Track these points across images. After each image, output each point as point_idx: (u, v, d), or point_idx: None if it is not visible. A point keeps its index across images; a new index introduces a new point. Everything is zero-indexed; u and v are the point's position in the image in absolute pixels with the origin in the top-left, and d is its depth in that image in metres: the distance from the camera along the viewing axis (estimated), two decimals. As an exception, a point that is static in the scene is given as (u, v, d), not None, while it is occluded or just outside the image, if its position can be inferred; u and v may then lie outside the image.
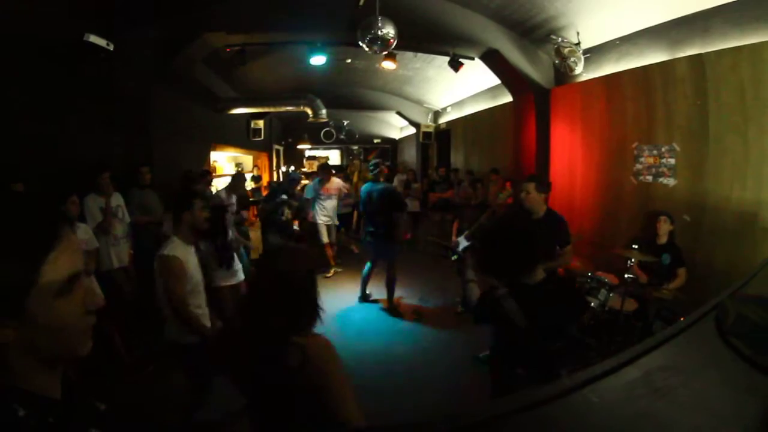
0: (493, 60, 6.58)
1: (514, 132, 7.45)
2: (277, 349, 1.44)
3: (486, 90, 9.23)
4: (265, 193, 6.02)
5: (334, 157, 19.47)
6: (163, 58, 5.81)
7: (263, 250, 4.94)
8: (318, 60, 6.77)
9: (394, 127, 17.09)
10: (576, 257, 5.19)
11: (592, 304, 3.84)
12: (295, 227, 6.96)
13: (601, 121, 5.72)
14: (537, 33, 5.98)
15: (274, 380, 1.46)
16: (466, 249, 5.06)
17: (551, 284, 2.07)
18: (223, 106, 8.82)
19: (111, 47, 4.56)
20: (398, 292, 5.81)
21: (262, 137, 10.96)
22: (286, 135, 15.60)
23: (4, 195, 0.74)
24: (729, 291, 1.22)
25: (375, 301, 5.87)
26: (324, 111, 9.53)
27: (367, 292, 5.93)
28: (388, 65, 7.02)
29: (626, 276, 3.89)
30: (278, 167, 14.08)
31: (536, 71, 6.50)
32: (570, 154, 6.31)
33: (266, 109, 9.82)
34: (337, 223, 7.20)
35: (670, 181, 4.66)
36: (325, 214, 6.88)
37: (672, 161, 4.64)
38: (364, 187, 5.69)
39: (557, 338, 2.03)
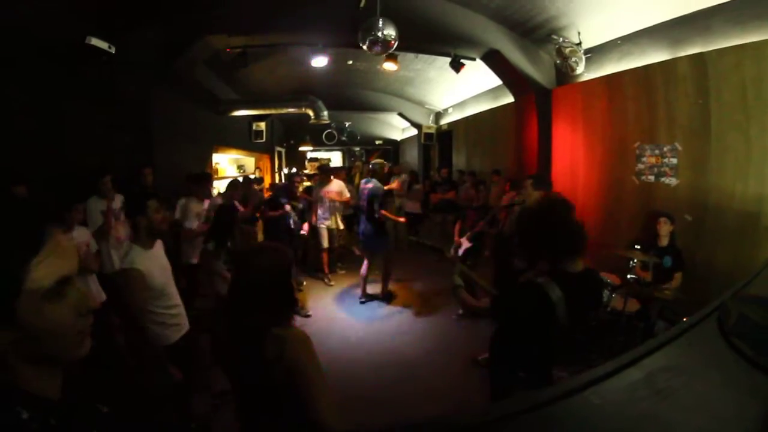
0: (495, 60, 6.57)
1: (516, 133, 7.44)
2: (255, 343, 1.47)
3: (487, 91, 9.23)
4: (267, 195, 6.02)
5: (335, 158, 19.47)
6: (165, 61, 5.83)
7: (239, 250, 4.98)
8: (319, 62, 6.78)
9: (396, 128, 17.09)
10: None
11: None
12: (303, 231, 6.90)
13: (602, 120, 5.71)
14: (538, 33, 5.98)
15: (253, 374, 1.49)
16: (468, 251, 5.09)
17: (590, 274, 1.94)
18: (224, 108, 8.83)
19: (113, 50, 4.57)
20: (400, 292, 5.97)
21: (264, 139, 10.97)
22: (288, 137, 15.61)
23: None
24: (731, 291, 1.22)
25: (374, 296, 6.01)
26: (326, 113, 9.54)
27: (369, 292, 5.96)
28: (389, 66, 7.03)
29: (629, 276, 3.89)
30: (280, 169, 14.09)
31: (537, 71, 6.49)
32: (572, 154, 6.31)
33: (268, 111, 9.82)
34: (341, 226, 7.06)
35: (672, 181, 4.65)
36: (325, 217, 6.80)
37: (674, 161, 4.63)
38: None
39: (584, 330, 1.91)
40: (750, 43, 3.80)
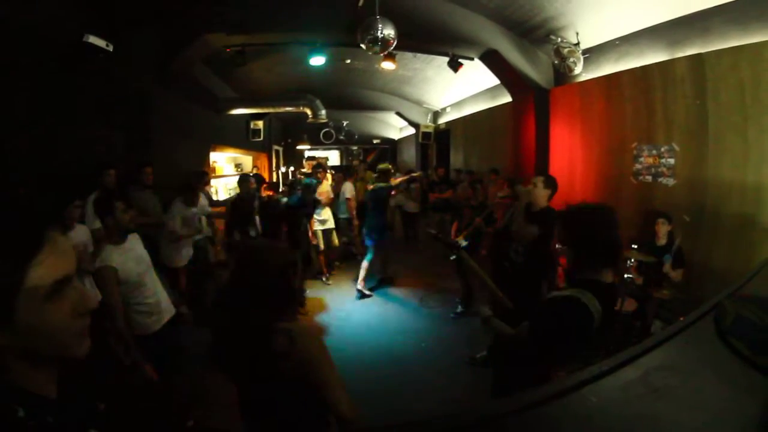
0: (493, 60, 6.58)
1: (514, 132, 7.45)
2: (262, 339, 1.45)
3: (485, 90, 9.23)
4: (264, 194, 5.99)
5: (333, 157, 19.46)
6: (163, 59, 5.82)
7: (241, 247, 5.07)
8: (317, 61, 6.77)
9: (394, 127, 17.08)
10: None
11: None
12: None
13: (600, 121, 5.72)
14: (536, 33, 5.98)
15: (262, 370, 1.47)
16: (466, 250, 5.08)
17: (617, 287, 1.86)
18: (222, 106, 8.81)
19: (111, 48, 4.56)
20: (398, 290, 6.05)
21: (262, 138, 10.96)
22: (286, 135, 15.59)
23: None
24: (728, 291, 1.22)
25: (371, 290, 6.18)
26: (323, 111, 9.53)
27: (368, 290, 6.03)
28: (387, 66, 7.02)
29: (626, 276, 3.90)
30: (278, 168, 14.07)
31: (535, 71, 6.50)
32: (569, 154, 6.32)
33: (266, 110, 9.81)
34: (332, 227, 7.10)
35: (670, 181, 4.66)
36: (319, 219, 6.80)
37: (671, 161, 4.64)
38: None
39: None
40: (748, 44, 3.81)
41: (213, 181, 8.65)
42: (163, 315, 2.85)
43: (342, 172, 9.14)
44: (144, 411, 2.66)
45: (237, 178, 6.29)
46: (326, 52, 6.70)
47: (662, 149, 4.74)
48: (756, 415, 0.75)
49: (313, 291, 6.27)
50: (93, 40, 4.37)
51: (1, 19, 3.59)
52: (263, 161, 12.70)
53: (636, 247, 4.06)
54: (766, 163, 3.76)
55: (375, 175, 6.51)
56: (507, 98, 7.62)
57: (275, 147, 14.07)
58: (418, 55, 8.03)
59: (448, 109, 11.74)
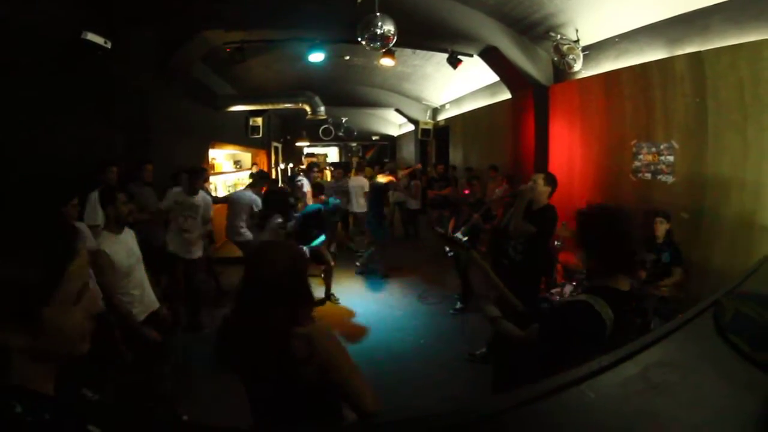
0: (492, 57, 6.57)
1: (513, 129, 7.44)
2: (280, 344, 1.43)
3: (485, 87, 9.22)
4: (263, 190, 6.03)
5: (332, 154, 19.46)
6: (162, 56, 5.80)
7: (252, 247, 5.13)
8: (316, 57, 6.75)
9: (393, 124, 17.07)
10: (574, 253, 5.21)
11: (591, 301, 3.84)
12: None
13: (599, 118, 5.72)
14: (536, 30, 5.97)
15: (281, 375, 1.45)
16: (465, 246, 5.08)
17: (636, 295, 1.81)
18: (221, 103, 8.80)
19: (109, 45, 4.55)
20: (397, 286, 6.10)
21: (261, 134, 10.94)
22: (285, 132, 15.58)
23: (31, 209, 0.78)
24: (727, 288, 1.22)
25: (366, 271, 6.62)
26: (322, 108, 9.52)
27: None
28: (386, 62, 7.01)
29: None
30: (277, 164, 14.06)
31: (535, 68, 6.49)
32: (569, 152, 6.31)
33: (265, 107, 9.79)
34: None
35: (669, 179, 4.66)
36: None
37: (671, 158, 4.64)
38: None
39: None
40: (747, 42, 3.80)
41: (212, 178, 8.64)
42: (147, 309, 3.05)
43: (342, 168, 9.14)
44: (139, 405, 2.68)
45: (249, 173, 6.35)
46: (325, 48, 6.69)
47: (661, 147, 4.73)
48: (755, 411, 0.75)
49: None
50: (91, 37, 4.36)
51: (1, 19, 3.58)
52: (262, 158, 12.69)
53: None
54: (765, 161, 3.76)
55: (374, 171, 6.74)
56: (506, 95, 7.61)
57: (274, 144, 14.06)
58: (418, 51, 8.02)
59: (447, 106, 11.73)
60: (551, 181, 3.71)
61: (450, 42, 6.61)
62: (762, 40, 3.67)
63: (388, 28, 4.53)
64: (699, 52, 4.25)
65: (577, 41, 5.63)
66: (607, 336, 1.53)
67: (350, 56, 8.85)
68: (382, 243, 6.99)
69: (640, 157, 5.00)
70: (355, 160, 17.25)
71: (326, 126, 14.56)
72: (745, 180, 3.90)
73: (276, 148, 14.46)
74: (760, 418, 0.73)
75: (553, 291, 4.21)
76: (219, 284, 5.87)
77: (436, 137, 12.61)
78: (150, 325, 2.99)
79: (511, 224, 3.63)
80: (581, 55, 5.67)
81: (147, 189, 4.97)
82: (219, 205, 6.27)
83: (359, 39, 4.67)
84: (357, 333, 4.81)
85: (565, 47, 5.69)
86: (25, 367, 0.69)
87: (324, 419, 1.53)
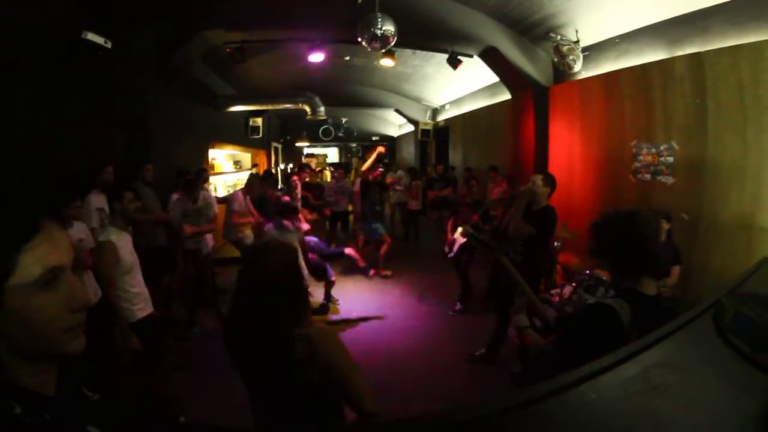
0: (492, 58, 6.57)
1: (513, 130, 7.44)
2: (281, 345, 1.43)
3: (484, 87, 9.23)
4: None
5: (332, 154, 19.47)
6: (162, 56, 5.80)
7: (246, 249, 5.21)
8: (316, 57, 6.75)
9: (393, 124, 17.07)
10: (573, 254, 5.21)
11: (590, 301, 3.85)
12: None
13: (599, 119, 5.72)
14: (536, 31, 5.97)
15: (282, 377, 1.45)
16: (463, 246, 5.09)
17: (664, 300, 1.72)
18: (221, 103, 8.80)
19: (109, 45, 4.55)
20: (397, 287, 6.11)
21: (261, 135, 10.95)
22: (285, 132, 15.58)
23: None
24: (727, 289, 1.22)
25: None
26: (322, 108, 9.52)
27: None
28: (386, 63, 7.01)
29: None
30: (276, 165, 14.06)
31: (535, 69, 6.49)
32: (569, 152, 6.31)
33: (265, 107, 9.80)
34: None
35: (669, 180, 4.66)
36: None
37: (670, 159, 4.64)
38: None
39: None
40: (747, 43, 3.80)
41: (212, 179, 8.63)
42: (145, 308, 3.08)
43: (342, 169, 9.14)
44: (138, 407, 2.67)
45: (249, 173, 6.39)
46: (325, 48, 6.68)
47: (661, 147, 4.74)
48: (755, 413, 0.75)
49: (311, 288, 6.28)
50: (91, 37, 4.36)
51: (1, 19, 3.58)
52: (262, 158, 12.69)
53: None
54: (765, 162, 3.76)
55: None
56: (506, 96, 7.61)
57: (274, 144, 14.06)
58: (418, 52, 8.02)
59: (447, 107, 11.73)
60: (550, 181, 3.72)
61: (450, 42, 6.61)
62: (762, 41, 3.67)
63: (388, 28, 4.54)
64: (699, 52, 4.26)
65: (577, 42, 5.63)
66: (626, 339, 1.45)
67: (350, 56, 8.85)
68: (376, 240, 7.03)
69: (640, 157, 5.00)
70: (354, 160, 17.25)
71: (326, 126, 14.57)
72: (745, 181, 3.91)
73: (276, 149, 14.46)
74: (760, 419, 0.73)
75: (553, 292, 4.22)
76: (215, 283, 5.87)
77: (435, 138, 12.62)
78: (144, 327, 3.00)
79: (511, 226, 3.63)
80: (581, 55, 5.67)
81: (147, 189, 4.97)
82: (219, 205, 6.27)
83: (359, 39, 4.68)
84: (357, 333, 4.81)
85: (565, 48, 5.69)
86: (20, 365, 0.67)
87: (325, 419, 1.53)
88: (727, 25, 3.98)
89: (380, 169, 7.81)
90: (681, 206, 4.43)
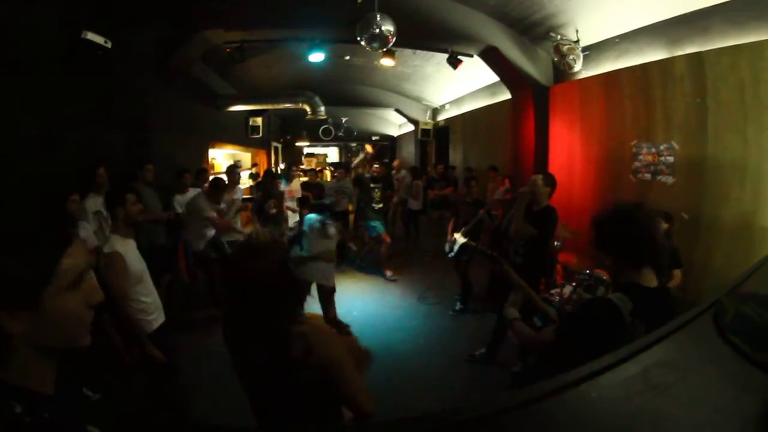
0: (492, 57, 6.57)
1: (513, 129, 7.44)
2: (278, 344, 1.42)
3: (485, 87, 9.22)
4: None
5: (332, 154, 19.45)
6: (162, 56, 5.80)
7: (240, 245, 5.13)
8: (316, 57, 6.75)
9: (393, 124, 17.06)
10: (573, 254, 5.21)
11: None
12: None
13: (599, 118, 5.72)
14: (536, 30, 5.97)
15: (279, 375, 1.44)
16: (463, 246, 5.09)
17: (666, 292, 1.75)
18: (221, 103, 8.80)
19: (109, 44, 4.55)
20: (397, 286, 6.17)
21: (261, 134, 10.94)
22: (285, 132, 15.57)
23: (27, 196, 0.81)
24: (727, 288, 1.22)
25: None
26: (322, 108, 9.52)
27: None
28: (386, 62, 7.01)
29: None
30: (276, 164, 14.06)
31: (535, 69, 6.49)
32: (569, 152, 6.31)
33: (265, 107, 9.80)
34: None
35: (669, 179, 4.66)
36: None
37: (671, 159, 4.64)
38: None
39: None
40: (748, 43, 3.80)
41: (211, 178, 8.62)
42: (159, 316, 2.85)
43: (343, 168, 9.13)
44: (143, 407, 2.66)
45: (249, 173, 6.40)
46: (325, 48, 6.68)
47: (661, 147, 4.74)
48: (755, 412, 0.75)
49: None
50: (91, 37, 4.36)
51: (1, 19, 3.58)
52: (262, 158, 12.69)
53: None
54: (765, 162, 3.76)
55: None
56: (506, 95, 7.61)
57: (274, 144, 14.06)
58: (418, 51, 8.01)
59: (447, 106, 11.73)
60: (550, 181, 3.71)
61: (450, 42, 6.61)
62: (762, 40, 3.67)
63: (388, 28, 4.54)
64: (699, 52, 4.26)
65: (578, 42, 5.63)
66: (626, 333, 1.50)
67: (350, 56, 8.85)
68: (373, 239, 7.09)
69: (640, 157, 5.00)
70: (354, 159, 17.24)
71: (326, 126, 14.56)
72: (746, 180, 3.91)
73: (276, 148, 14.45)
74: (760, 419, 0.73)
75: (553, 291, 4.22)
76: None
77: (436, 137, 12.61)
78: (161, 337, 2.79)
79: (512, 227, 3.63)
80: (581, 55, 5.67)
81: (148, 189, 4.96)
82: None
83: (358, 39, 4.68)
84: (357, 333, 4.80)
85: (566, 47, 5.69)
86: (28, 360, 0.70)
87: (323, 418, 1.53)
88: (727, 24, 3.98)
89: (376, 166, 7.84)
90: (681, 206, 4.43)
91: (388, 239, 6.92)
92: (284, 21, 5.92)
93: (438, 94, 11.44)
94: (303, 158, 16.37)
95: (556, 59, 5.95)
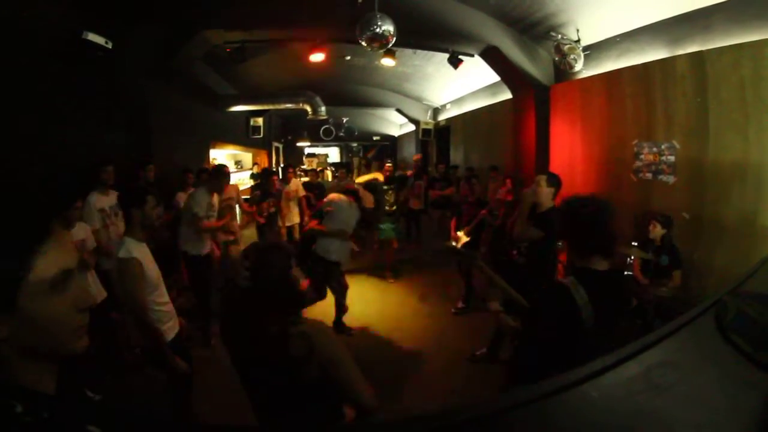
0: (493, 57, 6.57)
1: (514, 129, 7.44)
2: (279, 343, 1.42)
3: (485, 87, 9.22)
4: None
5: (333, 154, 19.47)
6: (163, 56, 5.81)
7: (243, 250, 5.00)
8: (317, 57, 6.75)
9: (394, 124, 17.07)
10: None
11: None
12: None
13: (600, 118, 5.71)
14: (537, 30, 5.97)
15: (281, 375, 1.45)
16: (466, 246, 5.09)
17: (617, 275, 1.96)
18: (222, 103, 8.81)
19: (110, 45, 4.55)
20: (398, 286, 6.22)
21: (262, 135, 10.95)
22: (286, 132, 15.59)
23: (22, 196, 0.76)
24: (729, 287, 1.22)
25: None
26: (323, 108, 9.53)
27: None
28: (387, 62, 7.01)
29: (626, 273, 3.90)
30: (277, 165, 14.08)
31: (536, 68, 6.49)
32: (570, 152, 6.31)
33: (265, 107, 9.81)
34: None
35: (670, 179, 4.66)
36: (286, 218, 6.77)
37: (672, 158, 4.64)
38: None
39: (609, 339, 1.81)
40: (749, 42, 3.80)
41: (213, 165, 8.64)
42: (174, 324, 2.72)
43: (344, 168, 9.14)
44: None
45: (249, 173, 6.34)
46: (326, 48, 6.68)
47: (663, 146, 4.73)
48: (757, 412, 0.75)
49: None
50: (92, 37, 4.36)
51: (1, 19, 3.58)
52: (263, 158, 12.71)
53: (636, 244, 4.05)
54: (766, 161, 3.75)
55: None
56: (507, 95, 7.61)
57: (275, 144, 14.07)
58: (418, 51, 8.01)
59: (448, 106, 11.73)
60: (554, 182, 3.68)
61: (451, 42, 6.61)
62: (764, 39, 3.67)
63: (388, 28, 4.54)
64: (700, 51, 4.25)
65: (578, 41, 5.62)
66: (584, 315, 1.67)
67: (351, 56, 8.85)
68: (380, 242, 6.93)
69: (642, 157, 5.00)
70: (356, 160, 17.25)
71: (327, 126, 14.58)
72: (747, 179, 3.90)
73: (277, 149, 14.47)
74: (761, 419, 0.72)
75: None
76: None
77: (436, 137, 12.61)
78: (177, 346, 2.64)
79: (516, 229, 3.61)
80: (582, 54, 5.67)
81: (150, 190, 4.95)
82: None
83: (359, 39, 4.68)
84: (357, 333, 4.80)
85: (566, 47, 5.68)
86: (21, 363, 0.68)
87: (324, 417, 1.53)
88: (728, 23, 3.98)
89: (388, 164, 7.79)
90: (682, 205, 4.43)
91: (395, 245, 6.87)
92: (284, 21, 5.92)
93: (439, 94, 11.44)
94: (304, 158, 16.39)
95: (557, 59, 5.95)
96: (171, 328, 2.64)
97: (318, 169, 11.98)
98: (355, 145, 18.47)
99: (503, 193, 6.59)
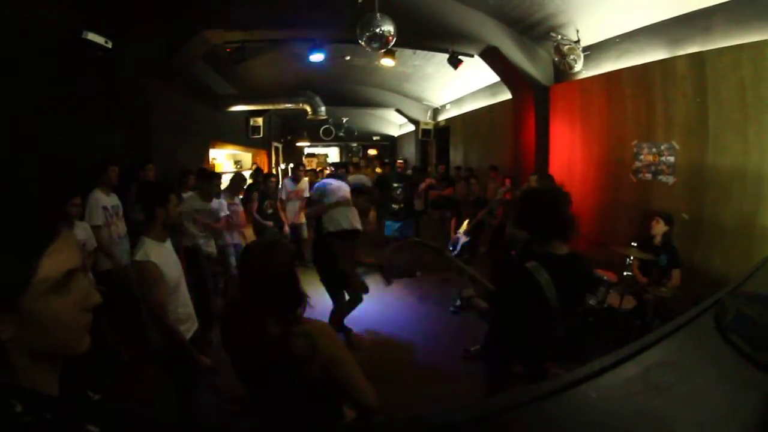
0: (493, 57, 6.57)
1: (514, 129, 7.45)
2: (280, 344, 1.42)
3: (485, 87, 9.22)
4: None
5: (333, 154, 19.47)
6: (163, 56, 5.80)
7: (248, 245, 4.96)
8: (317, 57, 6.75)
9: (393, 124, 17.07)
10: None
11: (591, 301, 3.84)
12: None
13: (600, 118, 5.72)
14: (536, 30, 5.97)
15: (282, 375, 1.45)
16: (466, 245, 5.10)
17: (576, 257, 2.08)
18: (222, 103, 8.81)
19: (110, 45, 4.55)
20: (397, 286, 6.13)
21: (261, 135, 10.95)
22: (286, 132, 15.58)
23: (2, 192, 0.75)
24: (728, 288, 1.22)
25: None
26: (323, 108, 9.52)
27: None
28: (386, 62, 7.02)
29: (625, 274, 3.90)
30: (277, 165, 14.07)
31: (536, 69, 6.49)
32: (569, 152, 6.31)
33: (265, 107, 9.80)
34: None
35: (670, 179, 4.66)
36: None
37: (671, 159, 4.64)
38: None
39: (573, 316, 2.09)
40: (748, 42, 3.80)
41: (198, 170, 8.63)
42: (192, 325, 2.65)
43: (344, 168, 9.13)
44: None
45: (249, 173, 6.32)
46: (326, 48, 6.68)
47: (662, 147, 4.73)
48: (756, 413, 0.75)
49: (312, 286, 6.28)
50: (92, 37, 4.36)
51: (1, 19, 3.58)
52: (263, 158, 12.70)
53: (635, 245, 4.06)
54: (765, 162, 3.76)
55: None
56: (507, 95, 7.61)
57: (275, 144, 14.06)
58: (418, 51, 8.02)
59: (447, 106, 11.73)
60: (544, 179, 3.68)
61: (450, 42, 6.61)
62: (763, 40, 3.67)
63: (388, 28, 4.54)
64: (700, 52, 4.25)
65: (578, 41, 5.63)
66: (548, 295, 1.85)
67: (351, 56, 8.86)
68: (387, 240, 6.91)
69: (641, 157, 5.00)
70: (355, 160, 17.25)
71: (327, 126, 14.57)
72: (746, 180, 3.90)
73: (276, 149, 14.46)
74: (760, 419, 0.72)
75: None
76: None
77: (436, 137, 12.61)
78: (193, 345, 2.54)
79: (507, 229, 3.66)
80: (582, 55, 5.67)
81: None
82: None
83: (359, 39, 4.68)
84: (357, 333, 4.80)
85: (566, 47, 5.69)
86: (24, 364, 0.68)
87: (325, 417, 1.53)
88: (728, 24, 3.98)
89: (399, 161, 7.74)
90: (682, 206, 4.43)
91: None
92: (284, 21, 5.92)
93: (438, 94, 11.44)
94: (304, 158, 16.37)
95: (556, 59, 5.95)
96: (188, 329, 2.58)
97: (318, 169, 11.97)
98: (354, 145, 18.47)
99: (502, 193, 6.60)
